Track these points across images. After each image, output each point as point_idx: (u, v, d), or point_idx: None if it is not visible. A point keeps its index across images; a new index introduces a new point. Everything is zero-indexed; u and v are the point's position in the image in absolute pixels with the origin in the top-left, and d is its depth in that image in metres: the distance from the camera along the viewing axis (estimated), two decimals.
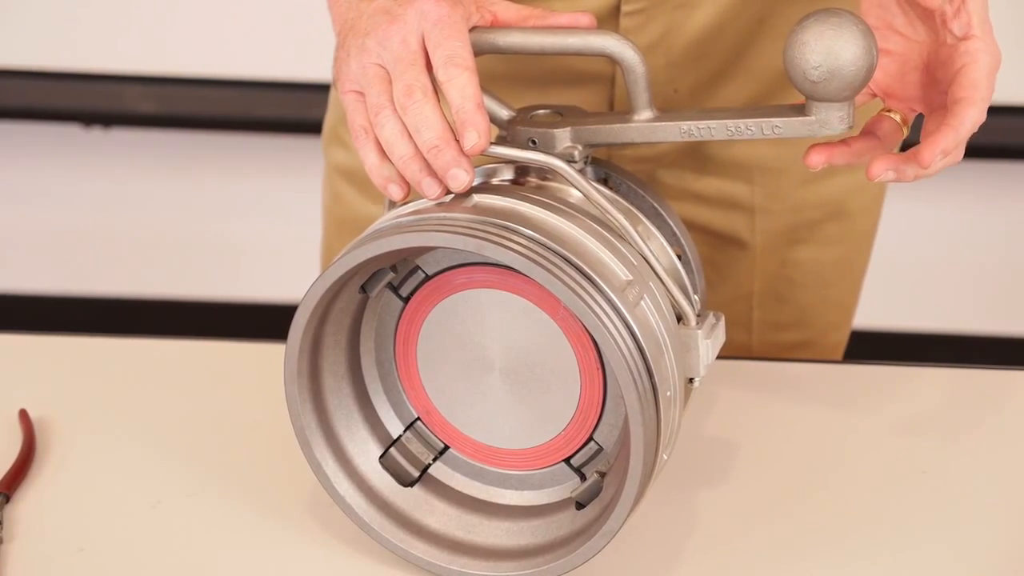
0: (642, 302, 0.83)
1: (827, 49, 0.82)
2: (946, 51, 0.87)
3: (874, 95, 0.92)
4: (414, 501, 0.92)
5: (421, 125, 0.84)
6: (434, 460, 0.93)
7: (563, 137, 0.89)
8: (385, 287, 0.89)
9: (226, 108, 2.21)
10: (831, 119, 0.85)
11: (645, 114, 0.89)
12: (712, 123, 0.87)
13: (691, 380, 0.88)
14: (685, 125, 0.87)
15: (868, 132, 0.90)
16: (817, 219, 1.15)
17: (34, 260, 2.39)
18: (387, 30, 0.86)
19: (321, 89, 1.28)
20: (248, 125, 2.24)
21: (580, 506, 0.88)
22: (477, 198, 0.85)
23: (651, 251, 0.86)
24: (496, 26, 0.90)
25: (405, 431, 0.93)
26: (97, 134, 2.28)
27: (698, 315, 0.87)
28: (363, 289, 0.88)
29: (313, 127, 1.48)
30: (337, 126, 1.18)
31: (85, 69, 2.19)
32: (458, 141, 0.84)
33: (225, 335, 1.15)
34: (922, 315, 2.36)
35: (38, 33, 2.18)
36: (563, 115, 0.91)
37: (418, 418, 0.93)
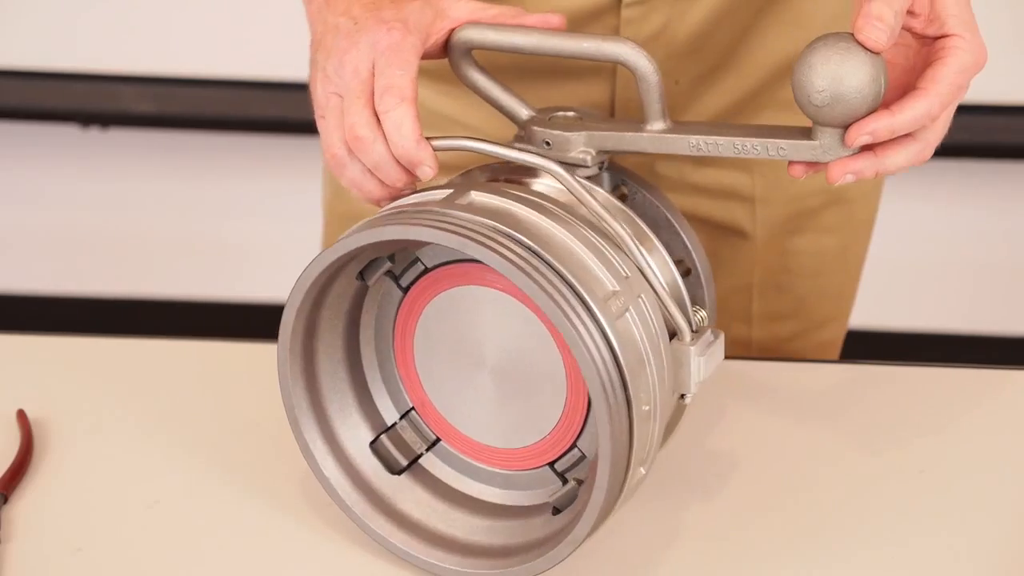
0: (627, 314, 0.82)
1: (832, 74, 0.82)
2: (926, 50, 0.87)
3: None
4: (400, 490, 0.92)
5: (380, 165, 0.87)
6: (426, 451, 0.93)
7: (577, 141, 0.89)
8: (386, 276, 0.89)
9: (224, 108, 2.21)
10: (833, 145, 0.84)
11: (658, 125, 0.89)
12: (720, 139, 0.87)
13: (683, 396, 0.87)
14: (694, 139, 0.87)
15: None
16: (816, 207, 1.15)
17: (31, 260, 2.39)
18: (342, 58, 0.88)
19: None
20: (246, 125, 2.23)
21: (557, 511, 0.88)
22: (475, 195, 0.85)
23: (648, 263, 0.85)
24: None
25: (400, 419, 0.93)
26: (95, 134, 2.28)
27: (695, 331, 0.87)
28: (361, 277, 0.88)
29: (311, 127, 1.47)
30: None
31: (82, 69, 2.19)
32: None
33: (223, 335, 1.15)
34: (919, 315, 2.36)
35: (35, 33, 2.18)
36: (581, 118, 0.91)
37: (413, 408, 0.93)
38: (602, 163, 0.91)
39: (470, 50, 0.92)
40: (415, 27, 0.88)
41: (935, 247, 2.30)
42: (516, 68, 1.03)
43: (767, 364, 1.12)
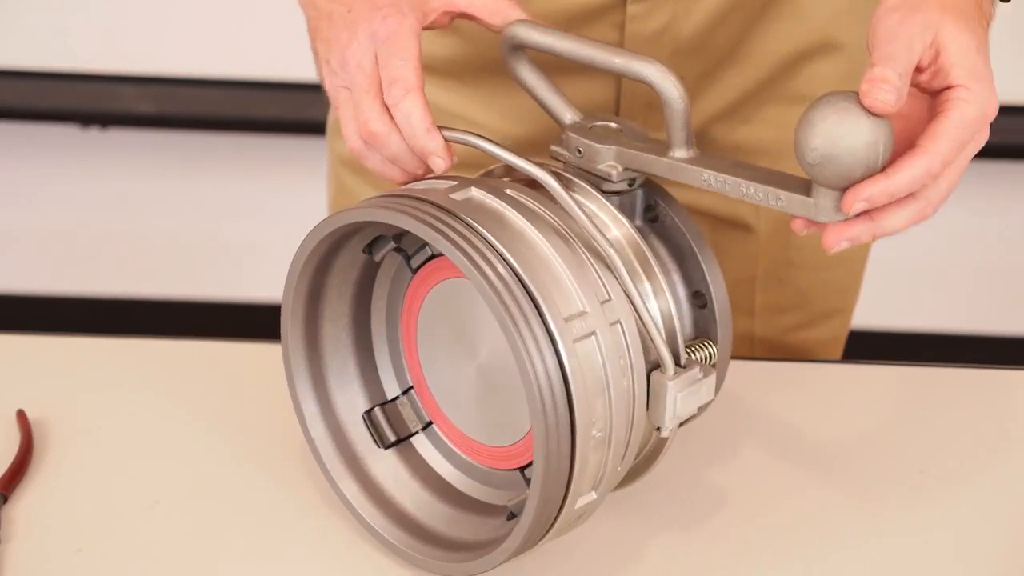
0: (592, 337, 0.81)
1: (827, 132, 0.79)
2: (934, 102, 0.84)
3: None
4: (382, 463, 0.93)
5: (399, 156, 0.88)
6: (421, 430, 0.94)
7: (607, 154, 0.89)
8: (397, 253, 0.89)
9: (223, 108, 2.21)
10: (827, 207, 0.82)
11: (679, 152, 0.88)
12: (730, 179, 0.85)
13: (659, 429, 0.86)
14: (707, 174, 0.86)
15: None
16: None
17: (31, 260, 2.39)
18: (344, 53, 0.88)
19: (319, 89, 1.28)
20: (246, 125, 2.23)
21: (512, 516, 0.88)
22: (474, 192, 0.85)
23: (638, 290, 0.84)
24: (452, 10, 0.90)
25: (401, 395, 0.94)
26: (95, 134, 2.28)
27: (681, 366, 0.85)
28: (370, 250, 0.89)
29: (311, 127, 1.47)
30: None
31: (82, 69, 2.19)
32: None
33: (223, 335, 1.15)
34: (919, 315, 2.36)
35: (35, 33, 2.18)
36: (621, 130, 0.90)
37: (412, 387, 0.94)
38: (633, 180, 0.90)
39: (519, 47, 0.91)
40: (408, 7, 0.88)
41: (935, 247, 2.30)
42: None
43: (767, 364, 1.12)
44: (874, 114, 0.79)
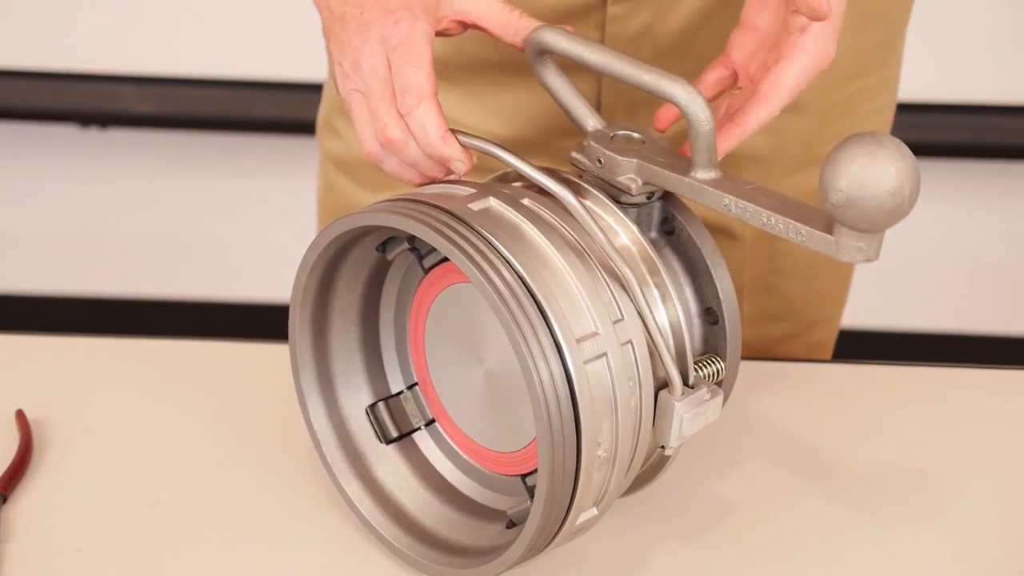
0: (603, 358, 0.81)
1: (853, 176, 0.78)
2: (785, 37, 0.86)
3: (735, 77, 0.92)
4: (383, 459, 0.94)
5: (418, 161, 0.88)
6: (424, 427, 0.94)
7: (627, 167, 0.88)
8: (410, 252, 0.89)
9: (223, 108, 2.21)
10: (848, 247, 0.81)
11: (701, 173, 0.86)
12: (750, 207, 0.84)
13: (663, 447, 0.86)
14: (728, 199, 0.85)
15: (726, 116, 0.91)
16: None
17: (30, 260, 2.39)
18: (356, 57, 0.87)
19: (319, 89, 1.28)
20: (246, 125, 2.23)
21: (511, 525, 0.88)
22: (492, 202, 0.84)
23: (650, 309, 0.83)
24: (463, 19, 0.89)
25: (406, 390, 0.95)
26: (94, 134, 2.28)
27: (690, 386, 0.85)
28: (383, 248, 0.89)
29: (311, 127, 1.47)
30: (330, 116, 1.18)
31: (82, 69, 2.19)
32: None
33: (223, 335, 1.15)
34: (919, 314, 2.36)
35: (35, 33, 2.18)
36: (644, 142, 0.90)
37: (416, 383, 0.94)
38: (652, 193, 0.89)
39: (544, 52, 0.90)
40: (422, 11, 0.87)
41: (935, 247, 2.30)
42: (499, 64, 1.02)
43: (763, 364, 1.12)
44: (902, 160, 0.78)
